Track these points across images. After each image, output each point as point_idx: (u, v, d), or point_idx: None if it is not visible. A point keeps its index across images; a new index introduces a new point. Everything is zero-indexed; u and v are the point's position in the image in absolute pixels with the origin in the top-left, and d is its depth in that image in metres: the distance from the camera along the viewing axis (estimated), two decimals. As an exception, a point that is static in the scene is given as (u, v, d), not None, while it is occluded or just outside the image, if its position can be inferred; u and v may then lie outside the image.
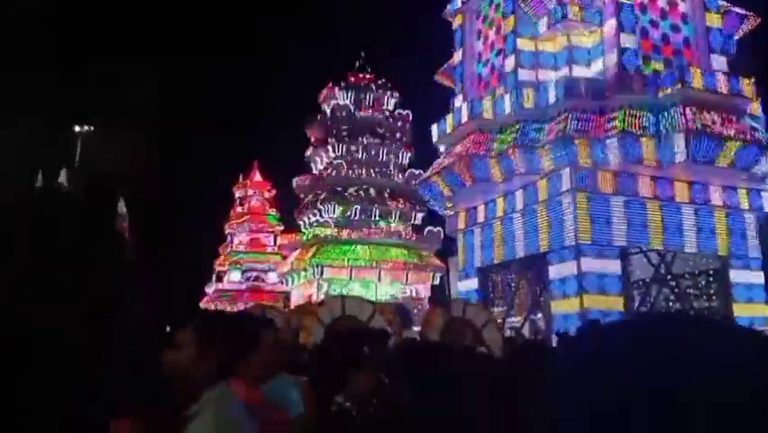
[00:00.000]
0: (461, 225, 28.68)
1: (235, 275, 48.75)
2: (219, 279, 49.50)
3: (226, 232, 50.83)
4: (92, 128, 37.60)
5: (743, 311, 23.85)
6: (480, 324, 17.18)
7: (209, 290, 49.00)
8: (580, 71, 25.20)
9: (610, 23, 24.54)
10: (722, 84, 23.75)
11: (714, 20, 25.96)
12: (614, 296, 22.49)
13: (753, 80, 24.40)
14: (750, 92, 24.33)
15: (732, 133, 23.14)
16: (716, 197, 24.50)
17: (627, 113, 23.05)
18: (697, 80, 23.34)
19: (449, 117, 27.97)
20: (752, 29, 27.29)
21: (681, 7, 26.30)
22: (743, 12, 26.83)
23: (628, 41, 24.25)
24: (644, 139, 22.78)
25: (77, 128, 36.85)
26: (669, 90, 23.26)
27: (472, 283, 28.09)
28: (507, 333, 24.51)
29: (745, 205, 24.85)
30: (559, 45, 26.05)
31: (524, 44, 26.11)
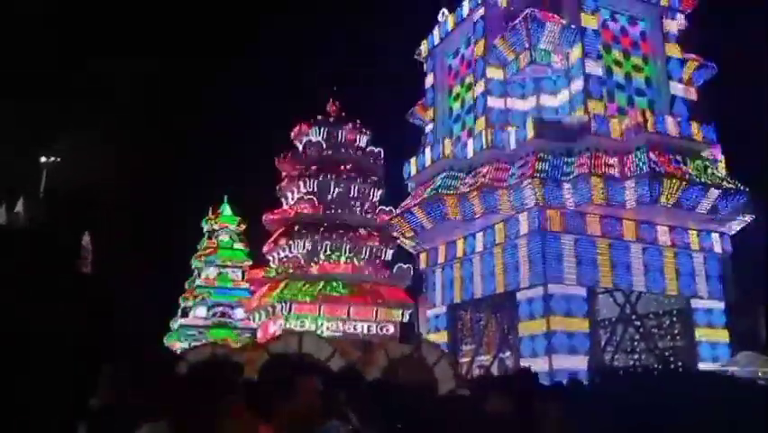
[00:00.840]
0: (432, 262, 28.79)
1: (201, 310, 47.82)
2: (185, 314, 48.49)
3: (193, 266, 50.04)
4: (58, 159, 37.01)
5: (706, 350, 24.29)
6: (432, 362, 17.28)
7: (174, 324, 47.98)
8: (547, 100, 25.90)
9: (577, 78, 25.22)
10: (685, 129, 24.57)
11: (675, 70, 26.92)
12: (581, 342, 22.74)
13: (713, 126, 25.32)
14: (712, 137, 25.24)
15: (696, 176, 23.87)
16: (680, 238, 25.08)
17: (595, 155, 23.63)
18: (661, 125, 24.10)
19: (421, 156, 28.33)
20: (710, 78, 28.42)
21: (644, 53, 27.25)
22: (702, 61, 27.95)
23: (595, 100, 24.84)
24: (611, 181, 23.35)
25: (42, 159, 36.26)
26: (634, 134, 23.97)
27: (441, 321, 28.10)
28: (476, 371, 24.52)
29: (709, 247, 25.46)
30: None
31: (494, 81, 26.64)
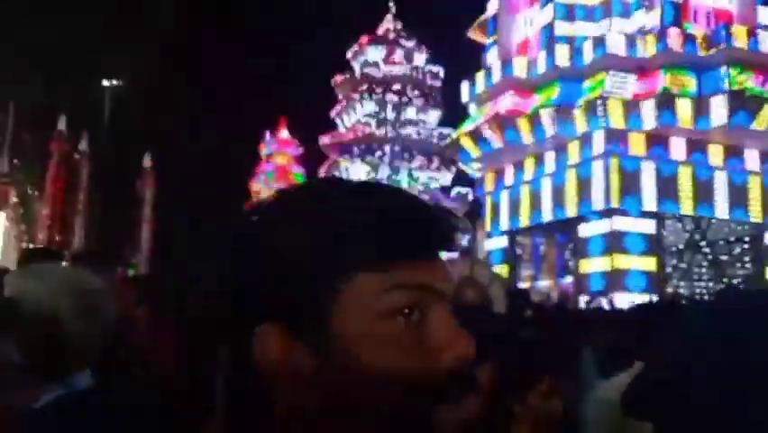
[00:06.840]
0: (490, 186, 28.26)
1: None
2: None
3: (252, 190, 50.88)
4: (121, 82, 37.54)
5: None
6: (486, 281, 17.23)
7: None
8: (619, 25, 24.42)
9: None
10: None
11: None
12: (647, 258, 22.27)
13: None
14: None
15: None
16: (755, 162, 23.81)
17: (668, 73, 22.34)
18: (741, 40, 22.48)
19: (481, 75, 27.33)
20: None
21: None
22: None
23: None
24: (683, 100, 22.12)
25: (105, 83, 36.81)
26: (712, 50, 22.44)
27: (500, 245, 27.79)
28: (535, 298, 24.38)
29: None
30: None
31: None
